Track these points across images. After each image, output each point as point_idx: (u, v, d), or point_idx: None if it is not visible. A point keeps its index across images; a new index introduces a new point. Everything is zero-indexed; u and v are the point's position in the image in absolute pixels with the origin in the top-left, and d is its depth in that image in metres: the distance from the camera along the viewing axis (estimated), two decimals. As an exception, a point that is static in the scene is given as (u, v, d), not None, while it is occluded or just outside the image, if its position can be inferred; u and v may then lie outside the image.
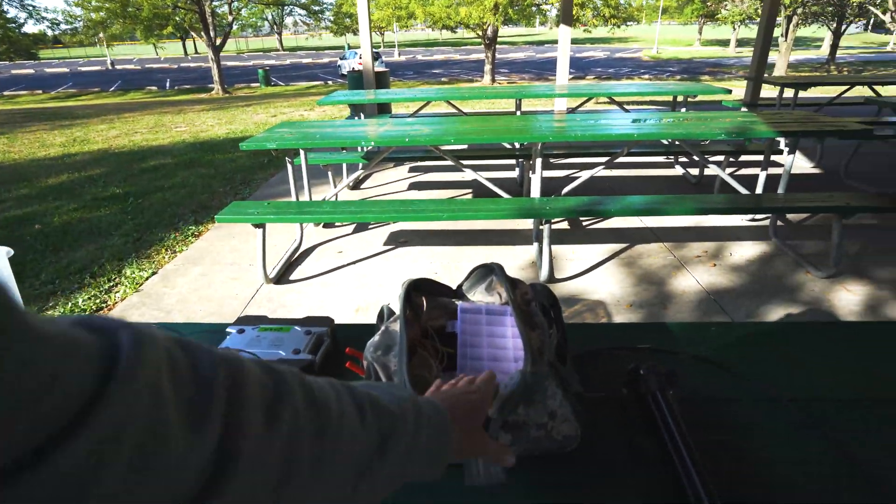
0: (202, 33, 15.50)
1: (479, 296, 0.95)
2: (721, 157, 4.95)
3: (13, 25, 17.85)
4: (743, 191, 3.54)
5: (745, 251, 3.36)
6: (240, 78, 21.91)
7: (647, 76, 17.36)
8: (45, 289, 3.25)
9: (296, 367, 0.38)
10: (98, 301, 3.07)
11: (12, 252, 1.24)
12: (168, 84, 21.16)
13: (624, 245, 3.51)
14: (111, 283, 3.30)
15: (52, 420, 0.20)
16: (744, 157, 5.51)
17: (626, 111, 5.07)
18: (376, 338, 0.85)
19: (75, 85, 22.88)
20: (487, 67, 15.91)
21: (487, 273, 0.95)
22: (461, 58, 29.69)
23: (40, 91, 20.90)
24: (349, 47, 28.64)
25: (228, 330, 1.08)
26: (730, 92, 4.76)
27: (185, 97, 15.62)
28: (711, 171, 4.09)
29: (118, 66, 32.94)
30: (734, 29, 31.23)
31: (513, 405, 0.69)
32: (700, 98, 9.30)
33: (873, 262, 3.15)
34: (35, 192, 5.46)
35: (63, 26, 19.70)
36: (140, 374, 0.23)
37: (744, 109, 5.21)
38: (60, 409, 0.20)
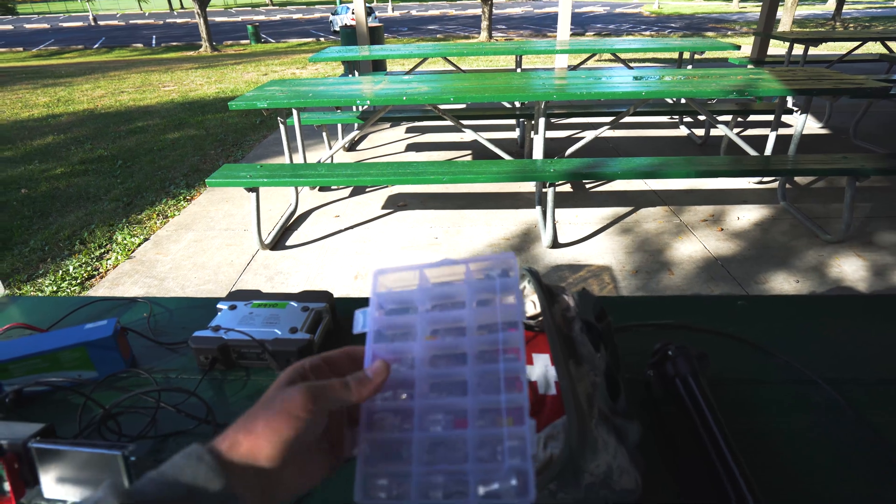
0: (187, -14, 14.84)
1: None
2: (728, 117, 4.82)
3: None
4: (751, 152, 3.43)
5: (752, 215, 3.29)
6: (228, 34, 21.17)
7: (648, 32, 16.86)
8: (34, 256, 3.16)
9: None
10: (90, 268, 2.99)
11: None
12: (154, 41, 20.43)
13: (628, 208, 3.43)
14: (102, 250, 3.21)
15: None
16: (752, 118, 5.37)
17: (630, 68, 4.89)
18: None
19: (57, 42, 22.07)
20: (484, 23, 15.39)
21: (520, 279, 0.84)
22: (457, 13, 28.75)
23: (20, 48, 20.15)
24: (341, 2, 27.64)
25: (219, 306, 1.01)
26: (738, 48, 4.58)
27: (173, 55, 15.09)
28: (718, 131, 3.98)
29: (101, 23, 31.74)
30: (738, -18, 30.23)
31: (549, 482, 0.55)
32: (705, 55, 9.04)
33: (884, 227, 3.08)
34: (19, 154, 5.29)
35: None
36: None
37: (751, 66, 5.04)
38: None
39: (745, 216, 3.27)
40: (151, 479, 0.34)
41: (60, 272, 2.95)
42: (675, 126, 5.22)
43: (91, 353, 0.89)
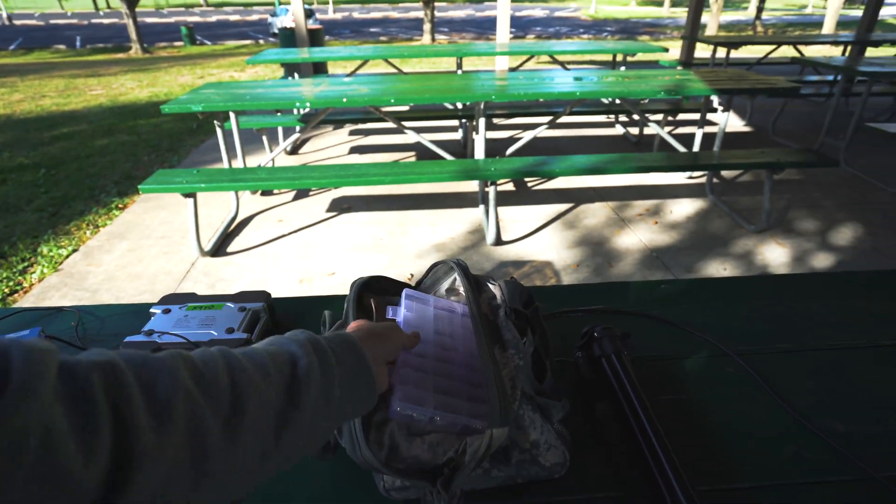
0: (114, -15, 14.12)
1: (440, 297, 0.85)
2: (660, 116, 5.06)
3: None
4: (681, 149, 3.63)
5: (683, 208, 3.47)
6: (161, 36, 20.25)
7: (586, 35, 17.43)
8: (-54, 272, 2.93)
9: (180, 349, 0.37)
10: (11, 284, 2.81)
11: None
12: (79, 42, 19.26)
13: (569, 205, 3.54)
14: (25, 263, 3.02)
15: None
16: (681, 116, 5.66)
17: (567, 70, 5.05)
18: None
19: (-31, 43, 20.45)
20: (427, 26, 15.46)
21: (448, 271, 0.86)
22: (399, 16, 28.70)
23: (-73, 50, 18.55)
24: (280, 3, 27.01)
25: (153, 311, 0.98)
26: (667, 51, 4.83)
27: (100, 57, 14.29)
28: (651, 130, 4.17)
29: (17, 22, 29.62)
30: (668, -12, 31.73)
31: (482, 460, 0.60)
32: (638, 57, 9.45)
33: (800, 216, 3.33)
34: (-73, 164, 4.88)
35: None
36: (31, 388, 0.25)
37: (679, 68, 5.31)
38: None
39: (678, 210, 3.45)
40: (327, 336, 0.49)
41: (-22, 288, 2.75)
42: (611, 125, 5.43)
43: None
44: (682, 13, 27.86)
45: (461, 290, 0.86)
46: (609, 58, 9.58)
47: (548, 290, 1.13)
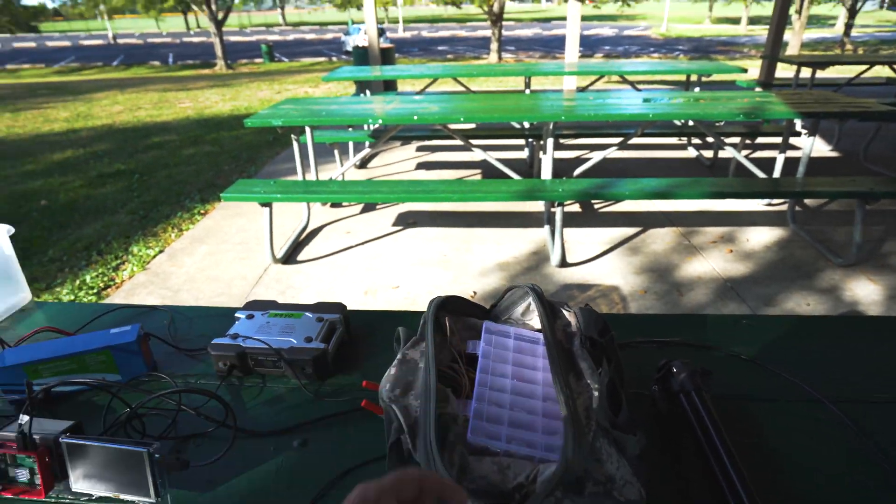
0: (203, 7, 15.25)
1: (514, 321, 0.86)
2: (737, 139, 4.85)
3: (14, -3, 17.60)
4: (760, 174, 3.45)
5: (761, 237, 3.30)
6: (243, 53, 21.61)
7: (656, 55, 17.03)
8: (52, 266, 3.23)
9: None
10: (105, 279, 3.05)
11: (13, 230, 1.20)
12: (171, 59, 20.89)
13: (637, 229, 3.45)
14: (118, 261, 3.27)
15: None
16: (760, 140, 5.40)
17: (638, 90, 4.95)
18: (392, 370, 0.75)
19: (78, 59, 22.62)
20: (494, 45, 15.62)
21: (524, 295, 0.86)
22: (467, 34, 29.18)
23: (42, 65, 20.68)
24: (353, 23, 28.15)
25: (238, 315, 1.04)
26: (745, 71, 4.64)
27: (189, 73, 15.42)
28: (726, 153, 4.01)
29: (120, 41, 32.52)
30: (746, 6, 30.51)
31: (554, 490, 0.59)
32: (713, 77, 9.12)
33: (895, 251, 3.08)
34: (40, 167, 5.41)
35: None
36: None
37: (758, 89, 5.08)
38: None
39: (755, 238, 3.28)
40: None
41: (77, 281, 3.01)
42: (683, 148, 5.26)
43: (116, 356, 0.93)
44: (760, 31, 26.65)
45: (536, 315, 0.86)
46: (682, 78, 9.31)
47: (619, 318, 1.11)
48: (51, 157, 5.83)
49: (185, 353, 1.00)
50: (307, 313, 1.04)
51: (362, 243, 3.35)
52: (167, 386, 0.91)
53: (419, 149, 5.45)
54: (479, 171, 4.72)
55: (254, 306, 1.08)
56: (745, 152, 4.96)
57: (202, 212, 3.98)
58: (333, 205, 3.95)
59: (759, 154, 4.96)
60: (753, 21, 32.91)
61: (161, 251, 3.37)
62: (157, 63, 19.70)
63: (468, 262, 3.08)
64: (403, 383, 0.73)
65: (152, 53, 24.01)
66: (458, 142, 5.18)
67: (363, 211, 3.86)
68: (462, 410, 0.69)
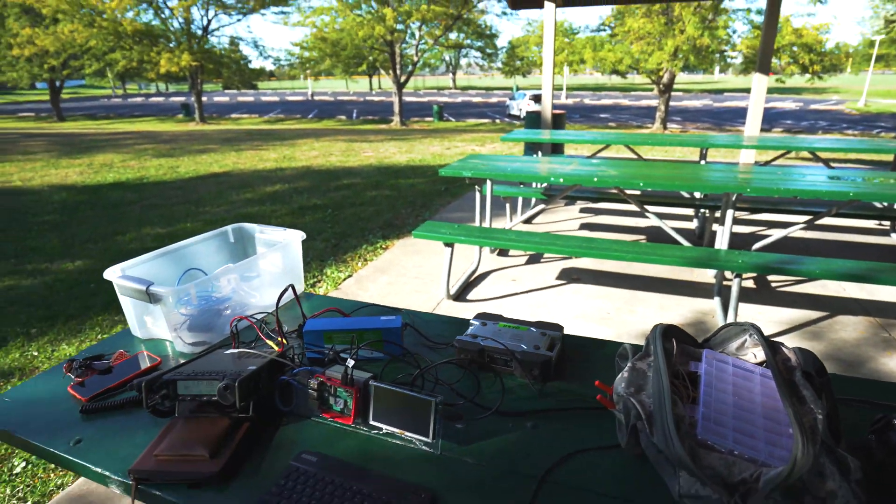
0: (390, 71, 17.43)
1: (728, 354, 0.96)
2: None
3: (245, 61, 21.72)
4: None
5: None
6: (416, 112, 23.93)
7: (850, 132, 15.37)
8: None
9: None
10: (307, 292, 3.60)
11: (304, 235, 1.64)
12: (355, 114, 23.87)
13: (822, 314, 3.19)
14: (315, 279, 3.84)
15: None
16: None
17: (830, 168, 4.60)
18: (625, 374, 0.91)
19: (283, 111, 26.87)
20: (659, 114, 15.41)
21: (740, 332, 0.96)
22: (630, 103, 29.04)
23: (256, 115, 24.92)
24: (517, 88, 29.63)
25: (472, 321, 1.28)
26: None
27: (369, 126, 17.50)
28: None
29: (316, 97, 37.98)
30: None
31: (781, 488, 0.67)
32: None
33: None
34: (257, 196, 6.55)
35: (283, 63, 23.41)
36: None
37: None
38: None
39: (978, 342, 2.85)
40: None
41: (286, 292, 3.60)
42: (884, 233, 4.72)
43: (385, 335, 1.21)
44: None
45: (750, 349, 0.96)
46: (886, 158, 8.33)
47: (834, 378, 1.13)
48: (264, 189, 7.01)
49: (431, 345, 1.26)
50: (532, 328, 1.24)
51: (527, 291, 3.54)
52: (423, 364, 1.16)
53: (582, 210, 5.59)
54: (643, 236, 4.71)
55: (484, 316, 1.31)
56: (966, 246, 4.30)
57: (384, 246, 4.52)
58: (500, 252, 4.22)
59: None
60: (981, 100, 28.13)
61: (350, 276, 3.90)
62: (343, 117, 22.54)
63: (630, 322, 3.10)
64: (635, 385, 0.89)
65: (340, 109, 27.60)
66: (621, 206, 5.24)
67: (528, 262, 4.07)
68: (688, 413, 0.82)
